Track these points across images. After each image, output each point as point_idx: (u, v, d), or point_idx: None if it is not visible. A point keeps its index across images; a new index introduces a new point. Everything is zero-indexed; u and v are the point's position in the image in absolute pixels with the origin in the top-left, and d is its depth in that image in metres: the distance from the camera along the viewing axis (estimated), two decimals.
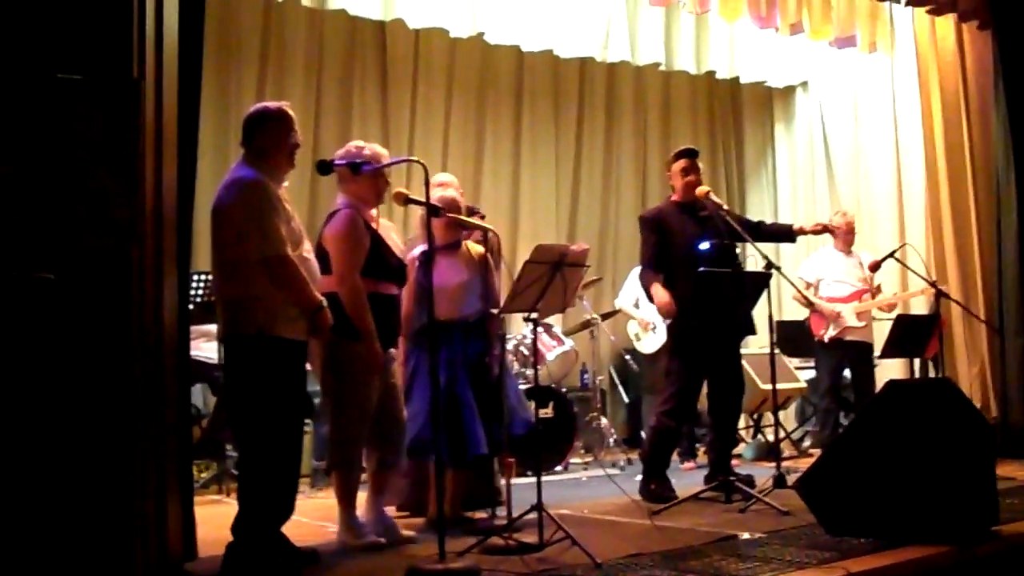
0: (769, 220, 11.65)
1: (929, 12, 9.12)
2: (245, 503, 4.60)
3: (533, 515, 4.94)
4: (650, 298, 6.75)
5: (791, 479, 6.24)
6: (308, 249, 4.82)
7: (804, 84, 11.43)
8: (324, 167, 4.90)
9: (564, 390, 8.55)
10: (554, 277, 5.10)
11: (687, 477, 7.47)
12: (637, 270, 9.37)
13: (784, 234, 7.22)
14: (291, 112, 4.88)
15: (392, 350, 5.39)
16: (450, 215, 5.45)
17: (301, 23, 9.31)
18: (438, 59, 10.16)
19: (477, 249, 5.86)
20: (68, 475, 2.69)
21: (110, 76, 4.08)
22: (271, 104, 4.93)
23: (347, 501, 5.17)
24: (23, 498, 2.36)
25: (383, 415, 5.26)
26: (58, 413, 2.47)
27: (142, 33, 4.23)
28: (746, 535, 5.15)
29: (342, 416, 5.13)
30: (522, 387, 7.76)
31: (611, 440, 9.15)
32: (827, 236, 8.65)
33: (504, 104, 10.64)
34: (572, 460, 8.51)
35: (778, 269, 6.41)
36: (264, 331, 4.57)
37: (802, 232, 7.15)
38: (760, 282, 6.35)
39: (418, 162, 4.84)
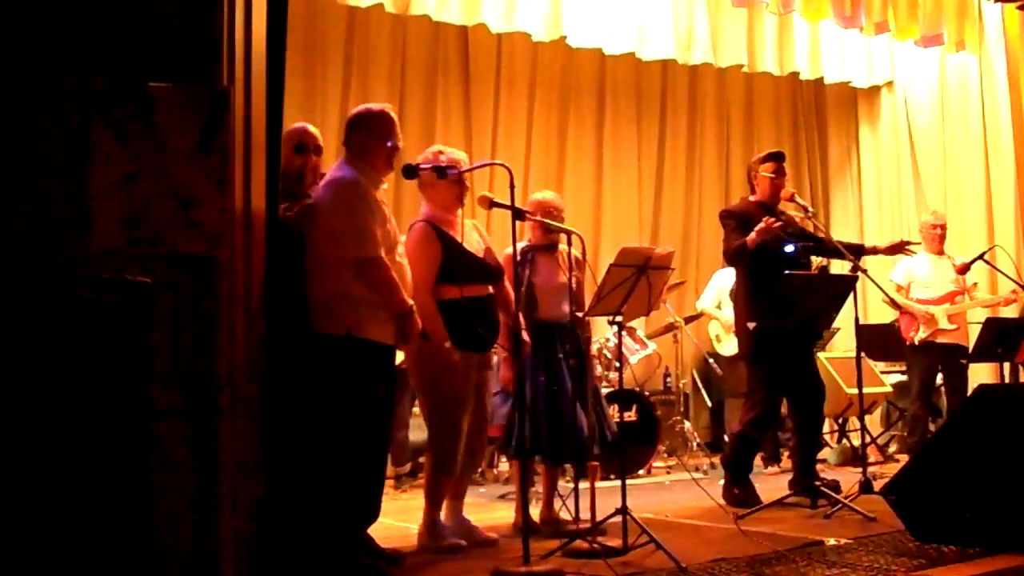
0: (853, 223, 11.62)
1: (1020, 7, 8.94)
2: (328, 506, 4.61)
3: (617, 519, 4.93)
4: (744, 304, 6.65)
5: (877, 485, 6.17)
6: (401, 253, 4.86)
7: (889, 84, 11.29)
8: (409, 171, 4.94)
9: (647, 394, 8.52)
10: (639, 280, 5.10)
11: (770, 482, 7.41)
12: (720, 272, 9.36)
13: (852, 252, 6.82)
14: (392, 114, 4.93)
15: (488, 354, 5.43)
16: (533, 218, 5.47)
17: (384, 29, 9.39)
18: (520, 63, 10.19)
19: (574, 251, 5.88)
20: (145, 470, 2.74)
21: (200, 84, 4.14)
22: (374, 105, 5.01)
23: (435, 503, 5.21)
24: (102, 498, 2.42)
25: (472, 420, 5.28)
26: (144, 412, 2.52)
27: (231, 41, 4.29)
28: (832, 541, 5.09)
29: (437, 419, 5.17)
30: (605, 391, 7.79)
31: (694, 444, 9.11)
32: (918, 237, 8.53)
33: (586, 107, 10.64)
34: (654, 464, 8.48)
35: (865, 272, 6.34)
36: (353, 332, 4.61)
37: (874, 251, 6.98)
38: (845, 285, 6.28)
39: (503, 166, 4.86)
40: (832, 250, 6.72)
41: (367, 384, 4.66)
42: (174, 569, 3.78)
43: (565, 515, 5.63)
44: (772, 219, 6.27)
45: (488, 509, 6.20)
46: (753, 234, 6.30)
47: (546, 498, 5.77)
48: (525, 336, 5.31)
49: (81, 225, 3.89)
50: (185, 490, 3.87)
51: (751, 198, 6.84)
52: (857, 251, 6.86)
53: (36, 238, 3.81)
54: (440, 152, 5.25)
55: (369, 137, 4.82)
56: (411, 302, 4.74)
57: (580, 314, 5.39)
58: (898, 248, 7.13)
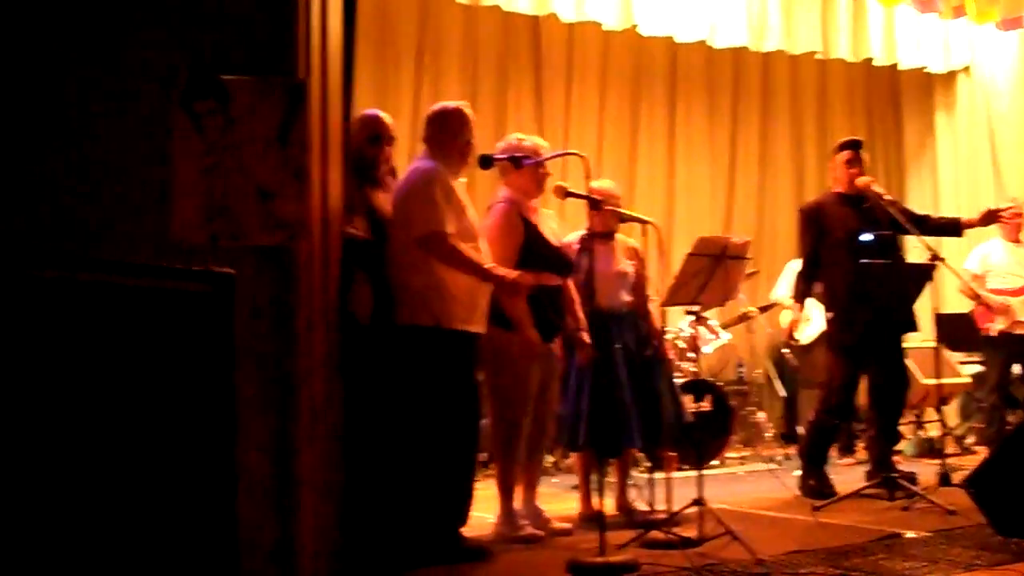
0: (931, 212, 11.42)
1: None
2: (422, 500, 4.61)
3: (692, 510, 4.92)
4: (826, 295, 6.62)
5: (956, 477, 6.09)
6: (478, 247, 4.88)
7: (967, 69, 11.08)
8: (485, 161, 4.96)
9: (720, 384, 8.47)
10: (716, 269, 5.08)
11: (846, 473, 7.33)
12: (794, 262, 9.27)
13: (951, 227, 6.86)
14: (466, 112, 5.02)
15: (554, 344, 5.42)
16: (609, 208, 5.46)
17: (456, 20, 9.40)
18: (592, 52, 10.14)
19: (629, 242, 5.87)
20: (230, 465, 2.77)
21: (277, 76, 4.17)
22: (450, 103, 5.13)
23: (508, 492, 5.22)
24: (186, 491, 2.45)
25: (538, 407, 5.30)
26: (230, 404, 2.55)
27: (308, 32, 4.32)
28: (911, 534, 5.03)
29: (503, 407, 5.18)
30: (678, 381, 7.76)
31: (767, 435, 9.03)
32: (994, 226, 8.36)
33: (658, 96, 10.57)
34: (728, 455, 8.42)
35: (942, 260, 6.25)
36: (442, 324, 4.65)
37: (970, 225, 6.88)
38: (923, 274, 6.19)
39: (578, 155, 4.87)
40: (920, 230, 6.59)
41: (459, 374, 4.71)
42: (255, 565, 3.82)
43: (641, 505, 5.62)
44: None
45: (560, 499, 6.20)
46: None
47: (620, 487, 5.76)
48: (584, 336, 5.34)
49: (158, 216, 3.96)
50: (265, 484, 3.91)
51: (834, 189, 6.78)
52: (954, 226, 6.78)
53: (109, 229, 3.88)
54: (522, 139, 5.31)
55: (444, 134, 4.89)
56: (487, 262, 4.81)
57: (654, 303, 5.37)
58: (991, 217, 6.97)
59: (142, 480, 2.37)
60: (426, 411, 4.61)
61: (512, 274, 4.83)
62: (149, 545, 2.40)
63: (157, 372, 2.40)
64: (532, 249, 5.17)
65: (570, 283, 5.37)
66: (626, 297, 5.71)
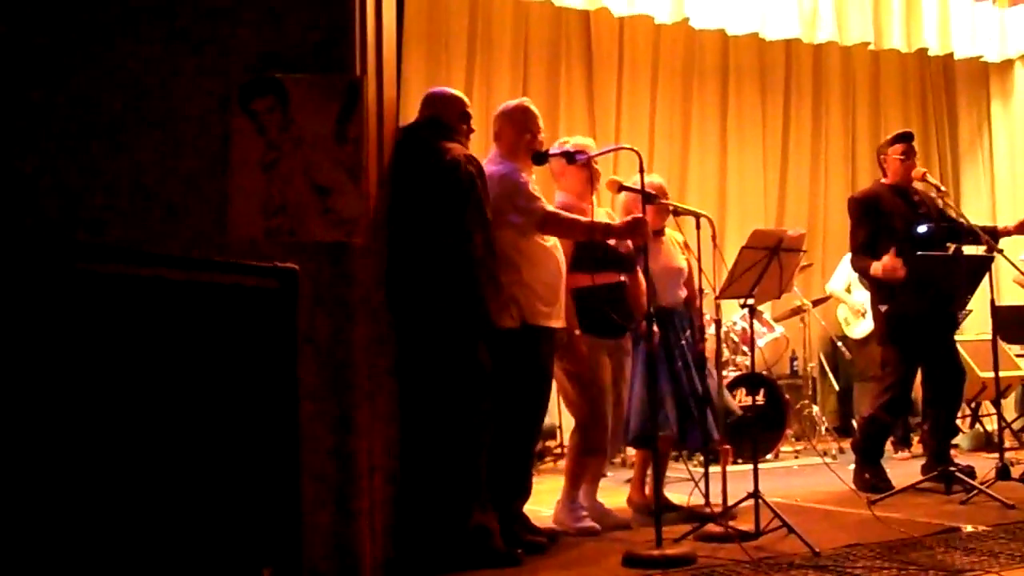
0: (985, 203, 11.31)
1: None
2: (482, 486, 4.60)
3: (748, 503, 4.91)
4: (868, 280, 6.56)
5: (1014, 471, 6.04)
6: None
7: (1023, 58, 10.95)
8: (539, 157, 4.98)
9: (774, 377, 8.44)
10: (771, 262, 5.07)
11: (901, 467, 7.28)
12: (848, 256, 9.23)
13: (988, 235, 6.64)
14: (530, 107, 5.10)
15: (624, 339, 5.46)
16: (664, 202, 5.47)
17: (507, 14, 9.42)
18: (643, 45, 10.13)
19: (676, 237, 5.88)
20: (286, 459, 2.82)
21: (334, 74, 4.22)
22: (512, 101, 5.21)
23: (575, 484, 5.28)
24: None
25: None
26: (293, 396, 2.60)
27: (363, 30, 4.36)
28: (969, 528, 4.99)
29: (585, 402, 5.21)
30: (733, 374, 7.74)
31: (822, 428, 8.99)
32: None
33: (710, 88, 10.54)
34: (782, 448, 8.39)
35: (1000, 252, 6.20)
36: (527, 320, 4.73)
37: (1007, 233, 6.69)
38: (980, 266, 6.13)
39: (632, 149, 4.87)
40: (967, 231, 6.54)
41: (540, 368, 4.83)
42: (316, 552, 3.88)
43: (695, 499, 5.61)
44: (898, 267, 6.18)
45: (614, 493, 6.20)
46: (879, 269, 6.26)
47: (647, 478, 5.73)
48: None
49: (216, 212, 4.02)
50: (325, 474, 3.96)
51: (883, 181, 6.72)
52: (992, 234, 6.67)
53: (169, 227, 3.95)
54: (566, 142, 5.32)
55: (512, 130, 4.93)
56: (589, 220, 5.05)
57: (715, 296, 5.36)
58: None
59: (210, 469, 2.42)
60: (508, 404, 4.67)
61: (627, 220, 4.98)
62: (217, 530, 2.45)
63: (223, 366, 2.44)
64: (585, 250, 5.19)
65: (639, 278, 5.36)
66: (682, 293, 5.73)
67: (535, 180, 4.98)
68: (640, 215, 4.88)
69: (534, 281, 4.79)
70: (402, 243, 4.44)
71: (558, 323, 4.91)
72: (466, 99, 4.93)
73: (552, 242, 4.92)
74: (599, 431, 5.23)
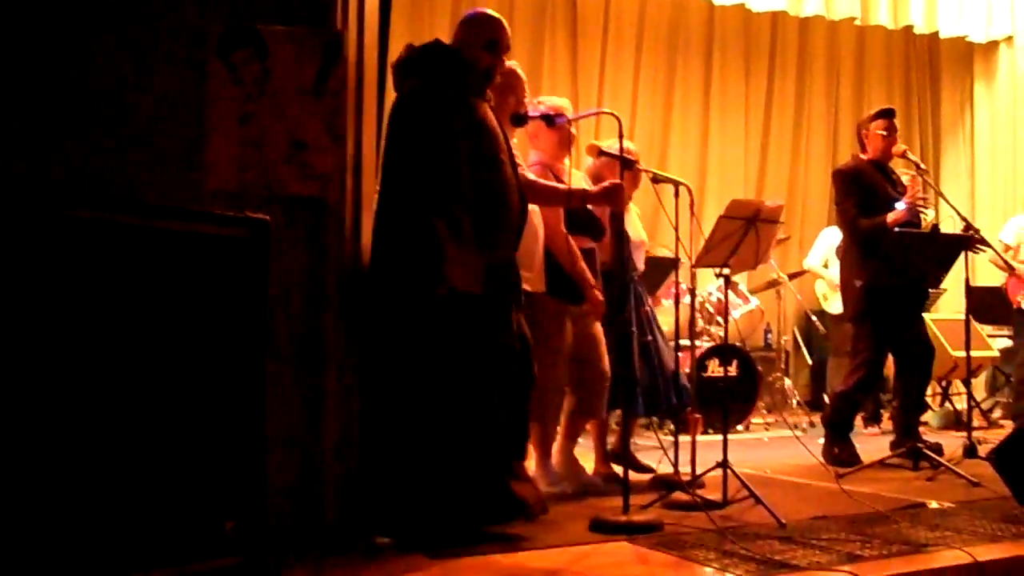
0: (965, 184, 11.33)
1: None
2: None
3: (716, 472, 4.92)
4: (862, 248, 6.49)
5: (981, 450, 6.07)
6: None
7: (1009, 39, 10.99)
8: (518, 119, 4.91)
9: (747, 349, 8.46)
10: (748, 232, 5.06)
11: (870, 442, 7.31)
12: (828, 229, 9.25)
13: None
14: (517, 70, 4.95)
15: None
16: (642, 168, 5.45)
17: None
18: (628, 14, 10.10)
19: (635, 209, 5.91)
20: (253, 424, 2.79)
21: (314, 28, 4.17)
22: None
23: (542, 449, 5.26)
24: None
25: (584, 364, 5.32)
26: (262, 350, 2.57)
27: None
28: (935, 504, 5.01)
29: (539, 366, 5.17)
30: (707, 345, 7.76)
31: (793, 402, 9.03)
32: None
33: (694, 59, 10.52)
34: (753, 420, 8.43)
35: (977, 232, 6.21)
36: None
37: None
38: (958, 244, 6.15)
39: (612, 114, 4.82)
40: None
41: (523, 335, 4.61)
42: (279, 507, 3.85)
43: (663, 467, 5.63)
44: (918, 197, 6.13)
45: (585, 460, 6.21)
46: (893, 217, 6.22)
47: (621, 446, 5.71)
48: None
49: (190, 163, 3.97)
50: (294, 436, 3.94)
51: (862, 156, 6.71)
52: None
53: (144, 175, 3.90)
54: (540, 102, 5.26)
55: (496, 93, 4.79)
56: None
57: (691, 264, 5.34)
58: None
59: (176, 420, 2.40)
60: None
61: (605, 186, 4.85)
62: (180, 481, 2.43)
63: (192, 315, 2.42)
64: (567, 211, 5.16)
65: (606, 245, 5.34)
66: (641, 265, 5.77)
67: (515, 143, 4.93)
68: (618, 181, 4.82)
69: None
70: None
71: (535, 287, 4.87)
72: (502, 23, 4.55)
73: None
74: (548, 395, 5.12)
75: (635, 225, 5.80)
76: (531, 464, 5.27)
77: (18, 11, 3.74)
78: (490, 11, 4.53)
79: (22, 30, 3.74)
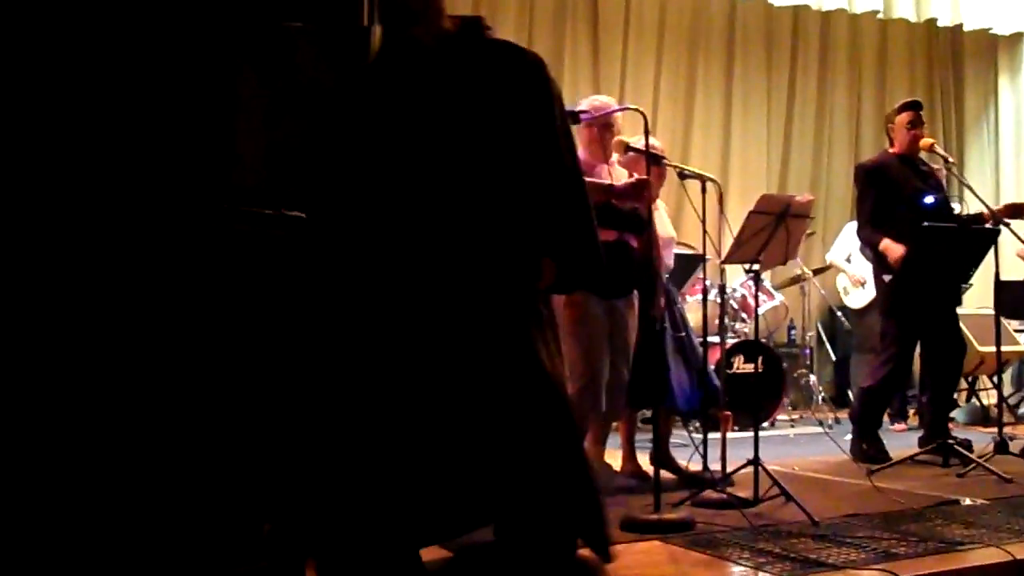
0: (989, 177, 11.25)
1: None
2: None
3: (747, 470, 4.88)
4: (873, 252, 6.49)
5: (1013, 446, 6.02)
6: None
7: None
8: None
9: (772, 346, 8.42)
10: (778, 228, 5.02)
11: (898, 439, 7.26)
12: (850, 224, 9.17)
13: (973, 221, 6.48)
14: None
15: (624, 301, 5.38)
16: (669, 164, 5.41)
17: None
18: (649, 9, 10.05)
19: (662, 204, 5.88)
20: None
21: (339, 24, 4.15)
22: None
23: None
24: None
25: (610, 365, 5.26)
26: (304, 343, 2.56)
27: None
28: (968, 501, 4.96)
29: (574, 366, 5.13)
30: (732, 341, 7.71)
31: (819, 398, 8.98)
32: None
33: (715, 53, 10.46)
34: (779, 417, 8.38)
35: (1007, 225, 6.15)
36: None
37: (992, 218, 6.35)
38: (986, 239, 6.08)
39: (637, 110, 4.78)
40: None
41: None
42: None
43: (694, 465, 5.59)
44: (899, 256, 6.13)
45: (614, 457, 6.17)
46: (888, 247, 6.24)
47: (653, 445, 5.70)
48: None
49: (224, 163, 3.95)
50: None
51: (890, 150, 6.66)
52: (977, 220, 6.54)
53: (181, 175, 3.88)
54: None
55: None
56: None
57: (719, 261, 5.31)
58: (1017, 211, 6.55)
59: (217, 420, 2.40)
60: None
61: (631, 182, 4.91)
62: (221, 483, 2.42)
63: (234, 311, 2.41)
64: (607, 206, 5.10)
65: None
66: (671, 262, 5.73)
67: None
68: (645, 177, 4.79)
69: None
70: None
71: None
72: None
73: None
74: (588, 393, 5.07)
75: (664, 222, 5.76)
76: None
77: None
78: None
79: None
